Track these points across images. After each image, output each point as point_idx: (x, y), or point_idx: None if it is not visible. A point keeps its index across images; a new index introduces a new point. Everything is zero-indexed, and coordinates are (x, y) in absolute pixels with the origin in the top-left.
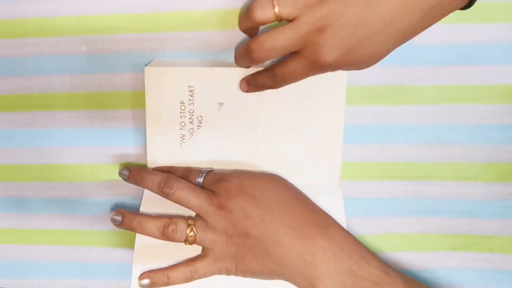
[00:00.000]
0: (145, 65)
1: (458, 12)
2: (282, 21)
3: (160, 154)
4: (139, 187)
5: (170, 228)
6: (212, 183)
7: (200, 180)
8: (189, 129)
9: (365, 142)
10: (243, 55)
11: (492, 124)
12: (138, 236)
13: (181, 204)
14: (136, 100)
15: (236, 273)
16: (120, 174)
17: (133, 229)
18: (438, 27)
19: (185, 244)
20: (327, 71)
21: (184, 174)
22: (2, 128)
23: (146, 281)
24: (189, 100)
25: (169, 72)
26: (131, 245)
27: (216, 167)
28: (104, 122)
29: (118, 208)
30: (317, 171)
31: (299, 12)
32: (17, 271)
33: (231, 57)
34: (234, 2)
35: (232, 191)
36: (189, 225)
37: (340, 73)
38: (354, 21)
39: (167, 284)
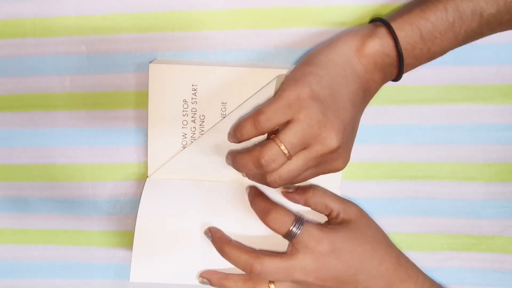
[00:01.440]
0: (150, 62)
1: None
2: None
3: (161, 151)
4: (139, 188)
5: (253, 274)
6: (305, 247)
7: (296, 231)
8: (191, 127)
9: (365, 142)
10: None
11: (492, 124)
12: (137, 235)
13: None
14: (136, 100)
15: None
16: (205, 233)
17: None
18: None
19: None
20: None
21: (268, 212)
22: (2, 128)
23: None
24: (192, 98)
25: (174, 69)
26: (131, 245)
27: (218, 166)
28: (104, 122)
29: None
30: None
31: (308, 142)
32: (17, 271)
33: (231, 57)
34: (234, 2)
35: (329, 260)
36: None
37: None
38: (351, 126)
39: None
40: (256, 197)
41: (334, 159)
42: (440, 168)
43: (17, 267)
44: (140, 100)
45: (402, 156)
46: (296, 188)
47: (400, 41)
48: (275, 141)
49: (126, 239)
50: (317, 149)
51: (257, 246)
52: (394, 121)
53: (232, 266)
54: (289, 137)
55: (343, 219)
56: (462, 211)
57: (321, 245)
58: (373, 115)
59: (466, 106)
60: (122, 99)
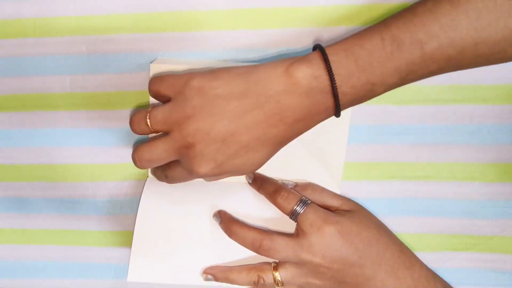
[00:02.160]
0: (151, 62)
1: None
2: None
3: None
4: (139, 188)
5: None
6: (311, 227)
7: (299, 210)
8: None
9: (365, 142)
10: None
11: (492, 124)
12: (136, 234)
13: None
14: (137, 100)
15: None
16: (214, 217)
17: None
18: None
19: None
20: (207, 179)
21: (277, 191)
22: (2, 128)
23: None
24: None
25: (175, 69)
26: (131, 245)
27: None
28: (104, 122)
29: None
30: (320, 171)
31: (170, 128)
32: (17, 271)
33: (231, 57)
34: (234, 2)
35: (337, 240)
36: (275, 279)
37: None
38: (220, 136)
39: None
40: (264, 182)
41: (192, 157)
42: (440, 168)
43: (17, 267)
44: (140, 100)
45: (402, 156)
46: (295, 185)
47: (332, 66)
48: (146, 112)
49: (126, 239)
50: (175, 136)
51: None
52: (394, 121)
53: (236, 259)
54: (156, 111)
55: (345, 210)
56: (462, 211)
57: (327, 225)
58: (373, 115)
59: (466, 106)
60: (122, 99)
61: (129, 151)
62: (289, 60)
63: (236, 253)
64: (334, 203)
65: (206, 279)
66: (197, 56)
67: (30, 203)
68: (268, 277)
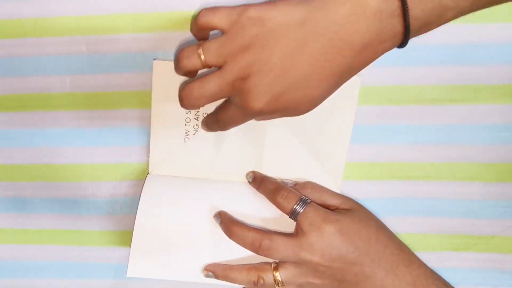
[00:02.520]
0: (154, 59)
1: None
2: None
3: (163, 148)
4: (139, 188)
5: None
6: (312, 224)
7: (299, 210)
8: (194, 125)
9: (366, 142)
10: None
11: (492, 124)
12: (136, 230)
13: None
14: (137, 100)
15: None
16: (215, 217)
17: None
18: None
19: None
20: (261, 117)
21: (277, 190)
22: (2, 128)
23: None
24: None
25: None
26: (131, 245)
27: (220, 164)
28: (104, 122)
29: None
30: (320, 171)
31: (224, 60)
32: (17, 271)
33: None
34: (234, 2)
35: (336, 239)
36: (275, 279)
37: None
38: (279, 67)
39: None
40: (264, 181)
41: (247, 90)
42: (440, 168)
43: (17, 267)
44: (140, 100)
45: (402, 156)
46: (294, 184)
47: None
48: (198, 45)
49: (126, 239)
50: (229, 69)
51: None
52: (394, 121)
53: (235, 258)
54: (210, 43)
55: (344, 209)
56: (462, 211)
57: (327, 224)
58: (373, 115)
59: (466, 106)
60: (122, 99)
61: (129, 151)
62: None
63: (236, 252)
64: (333, 201)
65: (207, 276)
66: None
67: (30, 203)
68: (268, 277)
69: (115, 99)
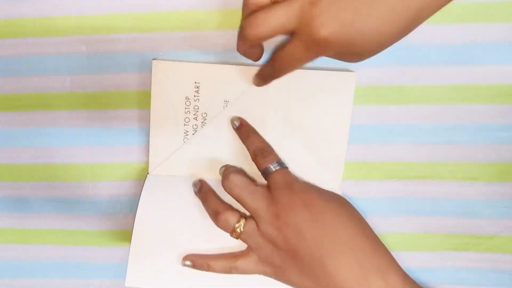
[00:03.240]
0: (153, 59)
1: (457, 12)
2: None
3: (163, 148)
4: (139, 188)
5: (220, 217)
6: (278, 185)
7: (272, 169)
8: (193, 125)
9: (365, 142)
10: (239, 35)
11: (492, 124)
12: (135, 234)
13: (239, 203)
14: (137, 100)
15: (275, 278)
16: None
17: (202, 202)
18: (438, 27)
19: (231, 236)
20: (325, 52)
21: (259, 151)
22: (2, 128)
23: (188, 263)
24: (194, 96)
25: (177, 66)
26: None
27: (219, 164)
28: (104, 122)
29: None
30: (320, 171)
31: None
32: (17, 271)
33: (230, 57)
34: (234, 2)
35: (296, 204)
36: (238, 220)
37: (348, 74)
38: None
39: (207, 271)
40: (251, 134)
41: (314, 16)
42: (440, 168)
43: (17, 267)
44: (140, 100)
45: (402, 156)
46: None
47: None
48: None
49: (126, 239)
50: None
51: None
52: (394, 121)
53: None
54: None
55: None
56: (462, 211)
57: (295, 187)
58: (373, 115)
59: (466, 106)
60: (122, 99)
61: (129, 151)
62: None
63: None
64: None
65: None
66: (197, 56)
67: (30, 203)
68: (231, 219)
69: (115, 99)
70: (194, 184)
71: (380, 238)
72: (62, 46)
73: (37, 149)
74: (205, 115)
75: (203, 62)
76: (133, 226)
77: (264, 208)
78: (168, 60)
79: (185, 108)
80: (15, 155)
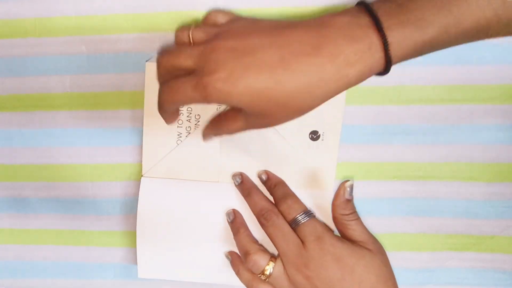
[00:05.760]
0: (146, 61)
1: None
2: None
3: (156, 151)
4: (139, 188)
5: (250, 257)
6: (309, 236)
7: (300, 220)
8: (186, 127)
9: (365, 142)
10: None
11: (492, 124)
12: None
13: (270, 239)
14: (136, 100)
15: None
16: (233, 177)
17: (233, 233)
18: None
19: (258, 275)
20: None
21: (282, 198)
22: (2, 128)
23: (229, 257)
24: None
25: None
26: (131, 245)
27: (212, 166)
28: (104, 122)
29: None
30: (313, 171)
31: (208, 36)
32: (17, 271)
33: None
34: (234, 2)
35: (326, 259)
36: (269, 263)
37: None
38: (250, 48)
39: (235, 273)
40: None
41: (209, 60)
42: (440, 168)
43: (17, 267)
44: (141, 100)
45: (402, 156)
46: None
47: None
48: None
49: (126, 239)
50: (208, 42)
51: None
52: (394, 121)
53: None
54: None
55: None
56: (462, 211)
57: (327, 242)
58: (373, 115)
59: (466, 106)
60: (123, 99)
61: (129, 151)
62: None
63: (235, 249)
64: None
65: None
66: None
67: (30, 203)
68: (260, 262)
69: (115, 99)
70: (228, 214)
71: (380, 238)
72: (62, 46)
73: (37, 149)
74: (198, 117)
75: None
76: (133, 226)
77: (294, 254)
78: None
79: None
80: (15, 155)
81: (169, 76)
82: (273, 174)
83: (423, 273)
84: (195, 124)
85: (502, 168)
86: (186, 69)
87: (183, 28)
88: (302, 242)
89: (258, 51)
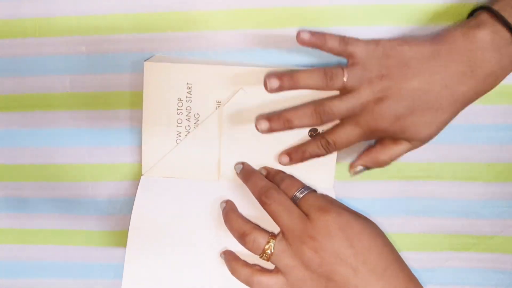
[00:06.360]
0: (145, 60)
1: (458, 13)
2: (337, 90)
3: (155, 150)
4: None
5: (248, 238)
6: (311, 208)
7: (299, 195)
8: (185, 126)
9: (365, 142)
10: (304, 117)
11: (492, 124)
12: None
13: (272, 218)
14: (136, 100)
15: None
16: (235, 167)
17: (224, 221)
18: (438, 28)
19: (260, 257)
20: (379, 137)
21: (281, 180)
22: (2, 128)
23: (222, 256)
24: (186, 97)
25: (168, 68)
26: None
27: (212, 165)
28: (104, 122)
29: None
30: (312, 171)
31: (361, 84)
32: (17, 271)
33: (231, 58)
34: (234, 2)
35: (332, 228)
36: (268, 242)
37: None
38: (411, 94)
39: (231, 273)
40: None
41: (376, 112)
42: (440, 168)
43: (17, 267)
44: (141, 100)
45: (402, 156)
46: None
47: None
48: (342, 69)
49: (126, 239)
50: (365, 92)
51: None
52: None
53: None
54: (354, 68)
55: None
56: (462, 211)
57: (330, 209)
58: None
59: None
60: (123, 99)
61: (129, 151)
62: (461, 27)
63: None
64: None
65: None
66: (197, 56)
67: (30, 203)
68: (260, 239)
69: (115, 99)
70: (221, 205)
71: None
72: (62, 46)
73: (37, 149)
74: (198, 116)
75: (195, 63)
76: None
77: (299, 228)
78: (160, 62)
79: (178, 110)
80: (15, 155)
81: None
82: (272, 168)
83: (423, 273)
84: (195, 123)
85: (502, 168)
86: None
87: (335, 72)
88: (306, 215)
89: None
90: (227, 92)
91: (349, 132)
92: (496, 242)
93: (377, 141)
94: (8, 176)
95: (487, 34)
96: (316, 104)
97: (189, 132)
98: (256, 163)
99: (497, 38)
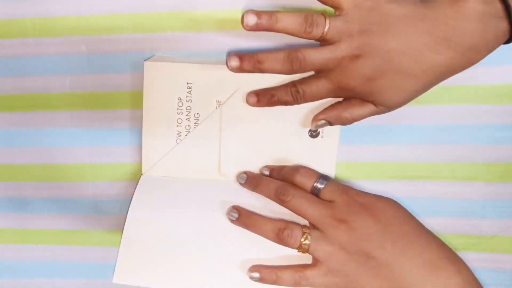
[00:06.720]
0: (145, 60)
1: None
2: (315, 41)
3: (156, 150)
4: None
5: (285, 232)
6: (333, 193)
7: (320, 186)
8: (185, 126)
9: (365, 142)
10: (275, 60)
11: (492, 124)
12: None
13: (297, 213)
14: (136, 100)
15: None
16: (238, 178)
17: (248, 227)
18: None
19: (298, 251)
20: (348, 96)
21: (293, 173)
22: (2, 128)
23: (256, 275)
24: (187, 97)
25: (168, 67)
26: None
27: (212, 165)
28: (104, 122)
29: (235, 205)
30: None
31: (341, 37)
32: (17, 271)
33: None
34: (234, 2)
35: (356, 207)
36: (304, 233)
37: None
38: (387, 55)
39: (275, 283)
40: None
41: (350, 69)
42: (440, 168)
43: (17, 267)
44: (141, 100)
45: (402, 156)
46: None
47: None
48: (325, 17)
49: None
50: (342, 46)
51: (257, 245)
52: (394, 121)
53: (231, 266)
54: (335, 19)
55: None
56: (462, 211)
57: (352, 193)
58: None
59: (466, 106)
60: (123, 99)
61: (129, 151)
62: None
63: (228, 256)
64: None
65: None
66: (197, 56)
67: (30, 203)
68: (295, 233)
69: (115, 99)
70: (229, 213)
71: None
72: (62, 46)
73: (37, 149)
74: (198, 115)
75: (195, 63)
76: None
77: (328, 215)
78: (160, 62)
79: (178, 109)
80: (15, 155)
81: None
82: (275, 165)
83: None
84: (195, 123)
85: (502, 168)
86: None
87: (316, 19)
88: (330, 201)
89: None
90: (227, 92)
91: (320, 85)
92: (496, 242)
93: (345, 98)
94: (8, 176)
95: (479, 4)
96: (291, 49)
97: (189, 132)
98: (256, 163)
99: (487, 8)
